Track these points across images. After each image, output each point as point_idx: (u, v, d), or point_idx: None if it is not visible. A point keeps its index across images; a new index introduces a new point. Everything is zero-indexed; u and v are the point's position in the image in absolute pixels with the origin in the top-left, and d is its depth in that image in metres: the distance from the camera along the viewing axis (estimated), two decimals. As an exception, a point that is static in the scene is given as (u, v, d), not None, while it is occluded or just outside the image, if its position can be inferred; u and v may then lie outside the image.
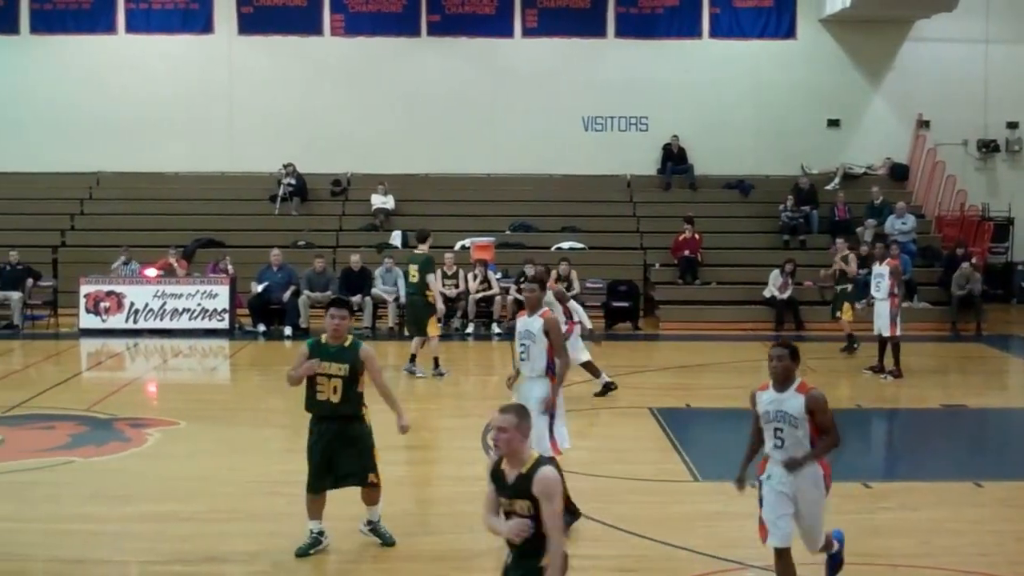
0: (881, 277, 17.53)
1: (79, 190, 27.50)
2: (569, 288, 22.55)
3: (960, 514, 10.24)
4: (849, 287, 19.88)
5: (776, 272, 23.10)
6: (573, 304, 15.66)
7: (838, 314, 20.07)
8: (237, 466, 11.88)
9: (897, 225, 24.98)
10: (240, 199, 27.35)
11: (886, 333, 17.46)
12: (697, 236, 24.70)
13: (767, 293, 23.20)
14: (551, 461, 6.27)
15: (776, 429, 7.47)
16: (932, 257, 25.20)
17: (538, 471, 5.89)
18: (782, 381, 7.47)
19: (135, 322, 21.76)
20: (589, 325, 15.88)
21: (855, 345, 19.72)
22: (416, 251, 18.02)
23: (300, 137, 27.38)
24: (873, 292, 17.87)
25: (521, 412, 6.00)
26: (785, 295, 22.91)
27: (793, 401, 7.41)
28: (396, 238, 25.60)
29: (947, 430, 14.90)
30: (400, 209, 26.73)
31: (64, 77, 27.69)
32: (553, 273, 22.61)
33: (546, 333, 9.80)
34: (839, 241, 21.02)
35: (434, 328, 17.35)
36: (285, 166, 26.76)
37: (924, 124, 28.08)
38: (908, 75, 28.04)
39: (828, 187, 27.17)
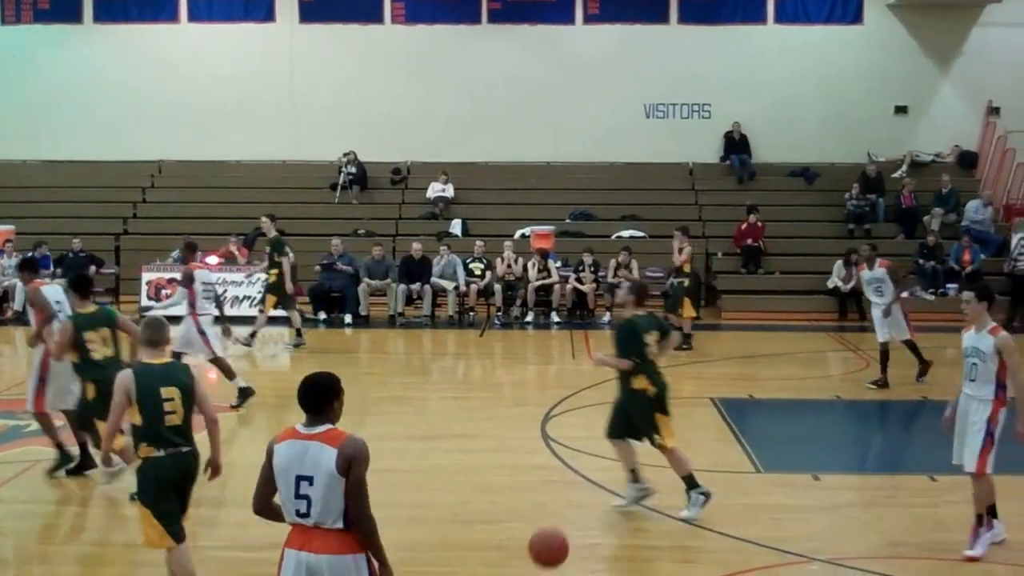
0: (880, 282, 16.04)
1: (141, 178, 27.73)
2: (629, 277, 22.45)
3: (1030, 508, 9.97)
4: (686, 281, 18.87)
5: (839, 263, 22.75)
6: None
7: (679, 310, 18.62)
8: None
9: (971, 215, 24.53)
10: (301, 187, 27.43)
11: (903, 338, 16.01)
12: (760, 224, 24.40)
13: (831, 284, 22.87)
14: None
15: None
16: (1002, 248, 24.67)
17: None
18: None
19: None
20: None
21: (688, 345, 18.62)
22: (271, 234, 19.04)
23: (360, 126, 27.37)
24: (874, 298, 16.17)
25: None
26: (849, 286, 22.56)
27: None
28: (456, 227, 25.56)
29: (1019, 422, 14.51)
30: (459, 198, 26.67)
31: (126, 66, 27.89)
32: (612, 262, 22.54)
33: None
34: (678, 233, 19.22)
35: (269, 305, 18.60)
36: (345, 154, 26.80)
37: (994, 111, 27.46)
38: (977, 61, 27.42)
39: (895, 175, 26.70)
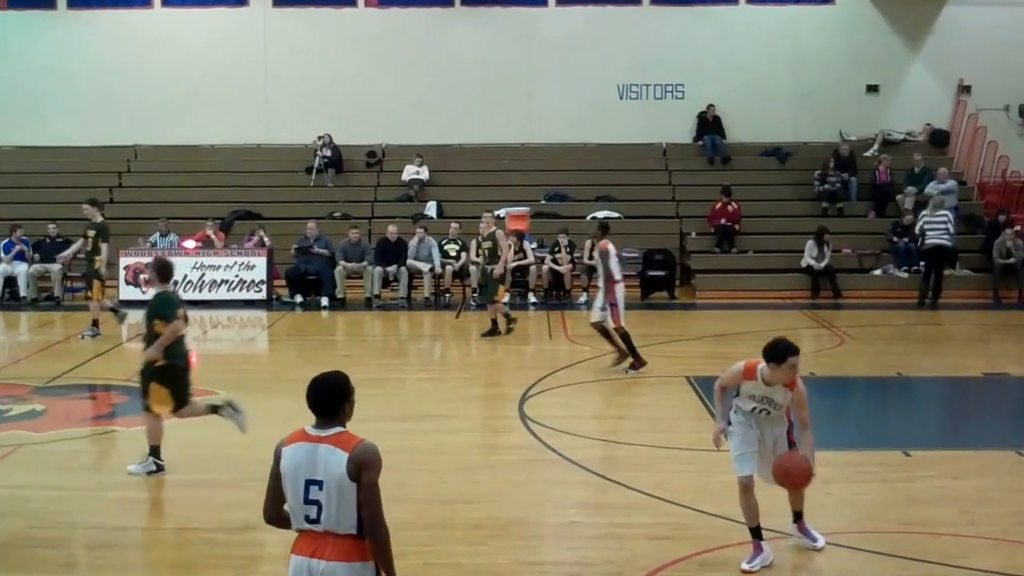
0: (598, 261, 15.56)
1: (117, 163, 27.67)
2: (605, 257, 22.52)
3: (1002, 483, 10.13)
4: (496, 268, 18.61)
5: (811, 241, 22.95)
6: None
7: (495, 298, 18.48)
8: (276, 435, 11.82)
9: (937, 190, 24.73)
10: (276, 171, 27.43)
11: (610, 324, 15.07)
12: (735, 206, 24.54)
13: (803, 262, 23.06)
14: None
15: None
16: (974, 224, 24.91)
17: None
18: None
19: (173, 293, 21.85)
20: None
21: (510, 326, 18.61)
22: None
23: (335, 109, 27.35)
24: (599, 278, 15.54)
25: None
26: (822, 264, 22.75)
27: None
28: (431, 209, 25.63)
29: (989, 398, 14.76)
30: (435, 180, 26.73)
31: (101, 52, 27.80)
32: (588, 243, 22.62)
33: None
34: (487, 215, 19.32)
35: (98, 292, 18.24)
36: (320, 137, 26.80)
37: (965, 89, 27.65)
38: (949, 39, 27.56)
39: (867, 153, 26.88)
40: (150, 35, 27.80)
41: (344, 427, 5.47)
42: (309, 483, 5.30)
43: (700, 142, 27.71)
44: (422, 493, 9.78)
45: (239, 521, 9.03)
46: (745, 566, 7.91)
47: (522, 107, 27.82)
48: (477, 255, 21.37)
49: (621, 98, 28.11)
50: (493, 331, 18.31)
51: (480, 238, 20.22)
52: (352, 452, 5.32)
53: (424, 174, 26.54)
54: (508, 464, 10.74)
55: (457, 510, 9.41)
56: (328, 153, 26.77)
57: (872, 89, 27.94)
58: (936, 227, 22.33)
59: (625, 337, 15.06)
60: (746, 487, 8.03)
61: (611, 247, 15.31)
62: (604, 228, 16.10)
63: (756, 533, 8.04)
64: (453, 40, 27.86)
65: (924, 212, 22.90)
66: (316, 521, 5.31)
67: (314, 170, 26.77)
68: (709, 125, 27.65)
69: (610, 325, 15.02)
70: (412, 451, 11.18)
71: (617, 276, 15.16)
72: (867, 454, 11.13)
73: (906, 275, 23.25)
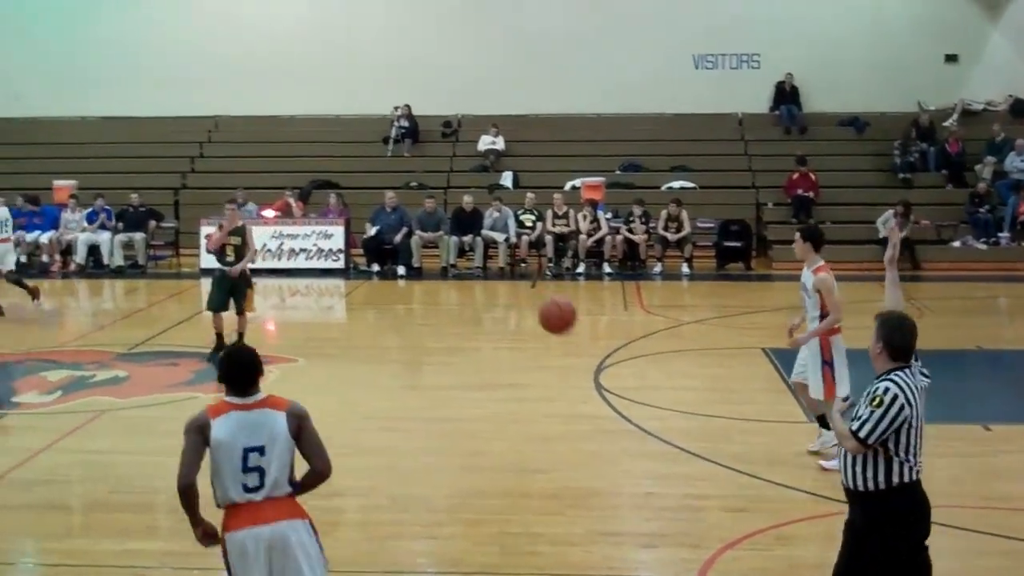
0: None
1: (199, 134, 28.07)
2: (680, 228, 22.52)
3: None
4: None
5: (889, 212, 22.68)
6: None
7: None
8: (353, 402, 12.15)
9: (1016, 163, 24.29)
10: (354, 141, 27.64)
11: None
12: (813, 176, 24.32)
13: (881, 233, 22.80)
14: None
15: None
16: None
17: None
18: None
19: (253, 262, 21.98)
20: None
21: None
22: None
23: (412, 79, 27.39)
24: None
25: None
26: (900, 235, 22.47)
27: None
28: (507, 179, 25.71)
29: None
30: (510, 150, 26.78)
31: (184, 22, 28.13)
32: (663, 213, 22.61)
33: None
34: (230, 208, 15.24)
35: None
36: (397, 108, 26.96)
37: (1049, 59, 27.11)
38: (1031, 7, 27.02)
39: (946, 123, 26.44)
40: (233, 6, 28.10)
41: (261, 391, 5.58)
42: (248, 451, 5.40)
43: (776, 112, 27.46)
44: (497, 462, 9.91)
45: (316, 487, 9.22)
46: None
47: (597, 77, 27.69)
48: (553, 225, 21.41)
49: (697, 68, 27.90)
50: None
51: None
52: (288, 410, 5.50)
53: (500, 144, 26.60)
54: (583, 434, 10.82)
55: (532, 479, 9.49)
56: (405, 124, 26.94)
57: (951, 59, 27.43)
58: None
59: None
60: None
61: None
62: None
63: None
64: (529, 10, 27.81)
65: None
66: (258, 488, 5.42)
67: (391, 140, 26.95)
68: (786, 95, 27.38)
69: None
70: (488, 420, 11.34)
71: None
72: (946, 428, 11.01)
73: (984, 247, 22.90)
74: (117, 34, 28.05)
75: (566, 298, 8.79)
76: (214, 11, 28.08)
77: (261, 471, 5.41)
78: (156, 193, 24.94)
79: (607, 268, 22.36)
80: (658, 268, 22.25)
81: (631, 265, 22.69)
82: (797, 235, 10.20)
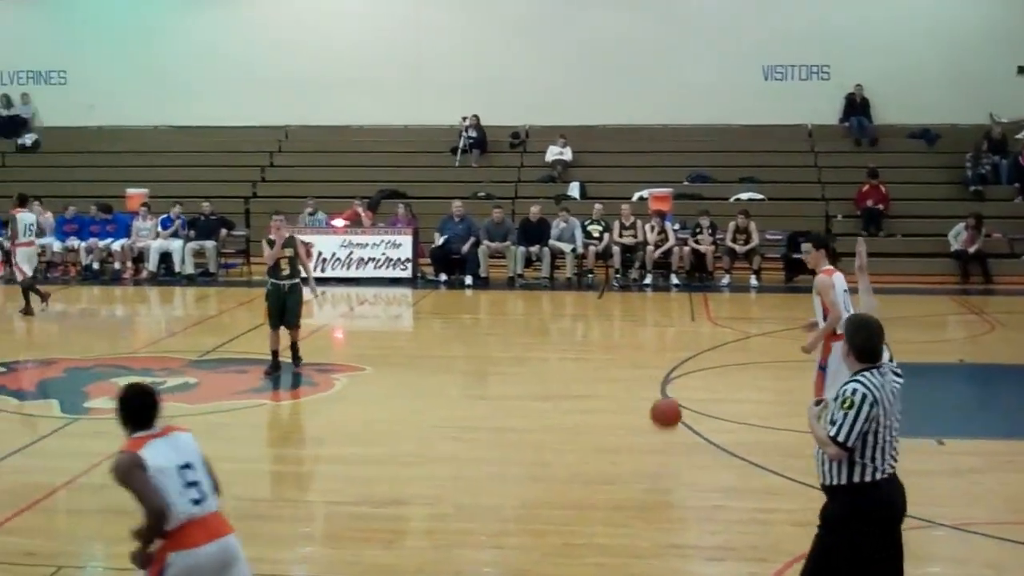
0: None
1: (269, 143, 28.40)
2: (748, 240, 22.38)
3: None
4: None
5: (960, 225, 22.39)
6: None
7: None
8: (420, 411, 12.20)
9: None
10: (422, 151, 27.79)
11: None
12: (884, 189, 24.07)
13: (952, 247, 22.53)
14: None
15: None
16: None
17: None
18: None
19: (323, 271, 22.19)
20: None
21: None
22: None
23: (480, 90, 27.53)
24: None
25: None
26: (972, 248, 22.18)
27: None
28: (574, 189, 25.71)
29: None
30: (577, 160, 26.79)
31: (254, 33, 28.52)
32: (731, 224, 22.48)
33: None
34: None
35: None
36: (465, 118, 27.10)
37: (1122, 73, 26.58)
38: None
39: (1018, 136, 26.05)
40: (302, 17, 28.42)
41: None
42: (181, 468, 5.58)
43: (847, 123, 27.22)
44: (563, 473, 9.89)
45: (384, 495, 9.27)
46: None
47: (665, 87, 27.63)
48: (620, 236, 21.37)
49: (766, 79, 27.75)
50: None
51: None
52: (188, 432, 5.79)
53: (567, 155, 26.63)
54: (650, 446, 10.75)
55: (598, 491, 9.46)
56: (473, 134, 27.06)
57: (1023, 71, 27.01)
58: None
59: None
60: None
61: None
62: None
63: None
64: (596, 20, 27.82)
65: None
66: (201, 500, 5.60)
67: (459, 150, 27.09)
68: (856, 106, 27.13)
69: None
70: (553, 431, 11.33)
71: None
72: (1017, 444, 10.89)
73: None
74: (190, 46, 28.51)
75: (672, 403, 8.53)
76: (286, 23, 28.41)
77: (198, 484, 5.63)
78: (227, 202, 25.24)
79: (674, 279, 22.26)
80: (726, 280, 22.13)
81: (698, 276, 22.58)
82: (809, 245, 10.50)
